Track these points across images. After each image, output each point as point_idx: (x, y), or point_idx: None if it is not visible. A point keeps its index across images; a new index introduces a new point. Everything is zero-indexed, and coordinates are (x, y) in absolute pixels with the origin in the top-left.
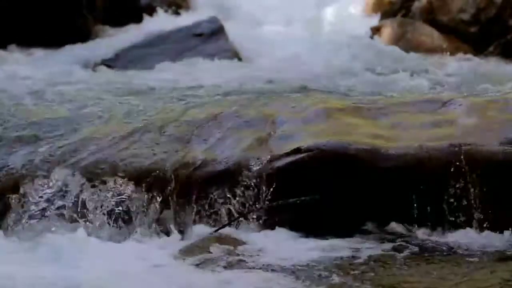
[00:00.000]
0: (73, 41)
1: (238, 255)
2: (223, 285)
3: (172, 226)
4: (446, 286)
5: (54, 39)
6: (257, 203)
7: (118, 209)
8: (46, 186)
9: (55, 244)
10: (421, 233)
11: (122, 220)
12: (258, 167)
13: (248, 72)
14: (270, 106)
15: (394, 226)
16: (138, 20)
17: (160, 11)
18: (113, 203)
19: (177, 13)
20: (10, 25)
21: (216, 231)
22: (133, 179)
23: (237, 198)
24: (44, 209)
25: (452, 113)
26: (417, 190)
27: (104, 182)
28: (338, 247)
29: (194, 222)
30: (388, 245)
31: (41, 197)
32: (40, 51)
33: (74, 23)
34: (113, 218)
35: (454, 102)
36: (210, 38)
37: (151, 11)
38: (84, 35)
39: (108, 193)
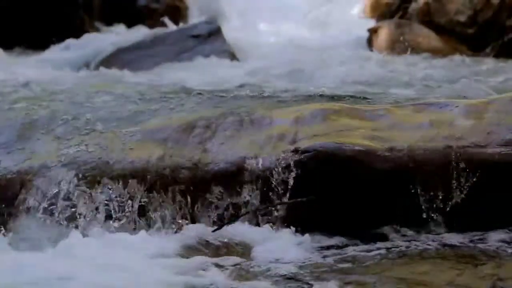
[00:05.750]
0: (70, 41)
1: (235, 254)
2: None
3: (170, 226)
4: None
5: (51, 39)
6: (254, 203)
7: (118, 209)
8: (45, 186)
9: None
10: (418, 233)
11: (121, 220)
12: (255, 168)
13: (245, 73)
14: (267, 107)
15: (391, 227)
16: (136, 21)
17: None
18: (113, 202)
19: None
20: (8, 25)
21: (213, 231)
22: (133, 179)
23: (235, 199)
24: (45, 209)
25: (449, 114)
26: (414, 191)
27: (103, 182)
28: (335, 247)
29: (192, 222)
30: (385, 245)
31: (41, 197)
32: (37, 51)
33: (71, 24)
34: (113, 218)
35: (451, 103)
36: (208, 39)
37: (148, 11)
38: (81, 36)
39: (107, 192)
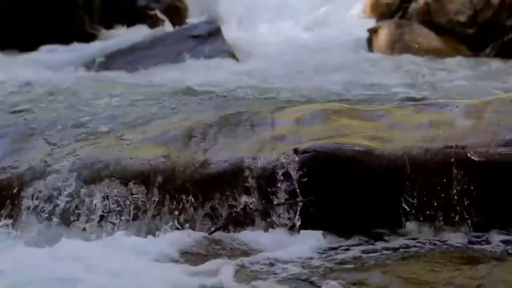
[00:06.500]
0: (70, 42)
1: (238, 256)
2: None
3: (169, 227)
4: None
5: (51, 40)
6: (254, 204)
7: (118, 210)
8: (46, 188)
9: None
10: (418, 233)
11: (121, 220)
12: (255, 168)
13: (245, 73)
14: (267, 108)
15: (391, 226)
16: (136, 21)
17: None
18: (114, 205)
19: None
20: (8, 27)
21: (212, 232)
22: (133, 180)
23: (235, 199)
24: (46, 211)
25: (449, 114)
26: (414, 191)
27: (102, 183)
28: (336, 247)
29: (192, 223)
30: (385, 245)
31: (42, 199)
32: (37, 52)
33: (71, 24)
34: (113, 219)
35: (451, 103)
36: (207, 39)
37: (148, 12)
38: (81, 36)
39: (107, 193)
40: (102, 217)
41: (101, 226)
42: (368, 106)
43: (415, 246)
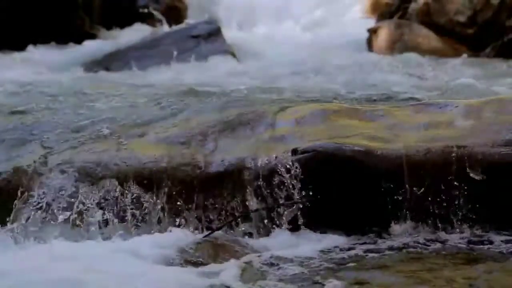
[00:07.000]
0: (70, 42)
1: (238, 256)
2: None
3: (170, 228)
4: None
5: (51, 40)
6: (254, 204)
7: (118, 211)
8: (45, 186)
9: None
10: (418, 233)
11: (121, 220)
12: (255, 169)
13: (245, 73)
14: (268, 107)
15: (391, 226)
16: (136, 21)
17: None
18: (113, 205)
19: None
20: (8, 26)
21: (212, 233)
22: (133, 181)
23: (235, 200)
24: (44, 209)
25: (449, 114)
26: (413, 191)
27: (103, 184)
28: (336, 246)
29: (192, 224)
30: (385, 245)
31: (42, 197)
32: (37, 52)
33: (71, 24)
34: (112, 219)
35: (450, 103)
36: (207, 39)
37: (148, 11)
38: (81, 36)
39: (107, 193)
40: (102, 219)
41: (101, 227)
42: (368, 106)
43: (415, 246)
